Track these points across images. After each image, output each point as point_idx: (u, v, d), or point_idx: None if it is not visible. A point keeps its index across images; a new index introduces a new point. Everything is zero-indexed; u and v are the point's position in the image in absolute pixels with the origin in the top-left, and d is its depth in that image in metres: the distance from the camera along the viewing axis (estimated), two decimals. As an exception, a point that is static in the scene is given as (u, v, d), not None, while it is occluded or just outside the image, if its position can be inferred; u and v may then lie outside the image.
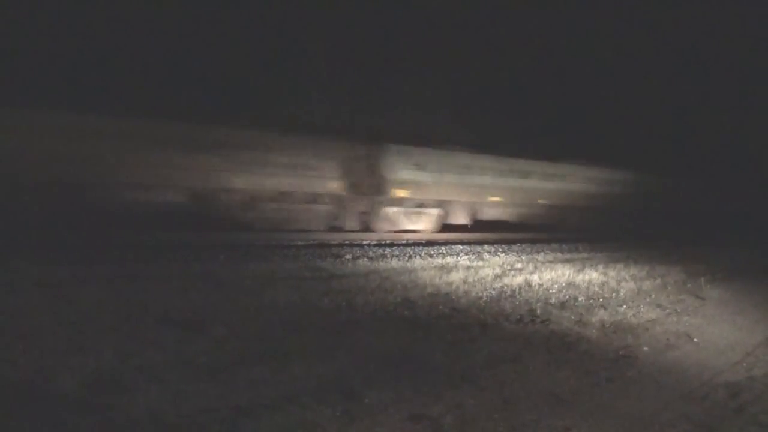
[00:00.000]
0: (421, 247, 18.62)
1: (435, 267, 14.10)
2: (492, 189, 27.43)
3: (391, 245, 18.92)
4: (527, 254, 18.40)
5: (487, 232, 27.21)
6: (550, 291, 11.94)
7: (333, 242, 18.61)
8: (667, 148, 39.60)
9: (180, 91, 23.13)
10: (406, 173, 25.00)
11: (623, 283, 13.48)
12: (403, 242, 20.34)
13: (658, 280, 14.40)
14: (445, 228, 26.25)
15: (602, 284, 13.16)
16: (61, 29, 22.92)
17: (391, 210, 24.54)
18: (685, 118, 42.09)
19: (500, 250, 19.21)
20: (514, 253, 18.39)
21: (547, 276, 13.62)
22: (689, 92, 42.94)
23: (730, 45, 44.25)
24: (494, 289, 11.78)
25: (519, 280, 12.88)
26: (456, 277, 12.73)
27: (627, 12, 42.19)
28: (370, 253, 16.07)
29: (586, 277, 13.81)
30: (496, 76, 34.87)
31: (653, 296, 12.47)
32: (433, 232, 25.95)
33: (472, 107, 32.06)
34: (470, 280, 12.51)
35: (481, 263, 15.31)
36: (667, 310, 11.33)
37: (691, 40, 43.00)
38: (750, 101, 44.41)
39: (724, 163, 41.35)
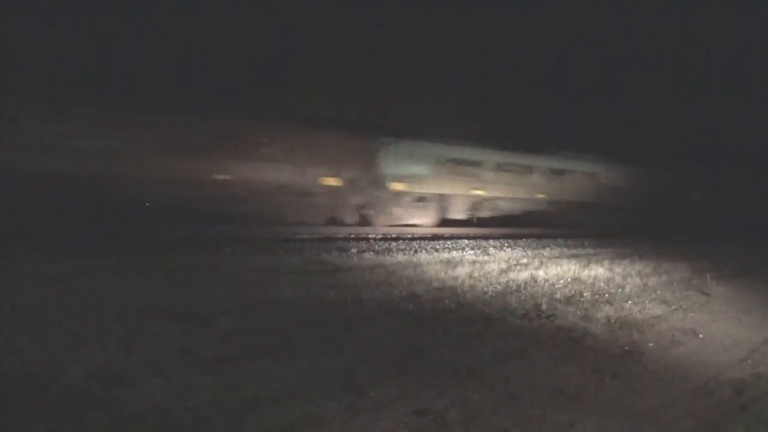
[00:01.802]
0: (426, 242, 18.60)
1: (440, 261, 14.08)
2: None
3: (396, 239, 18.89)
4: (533, 249, 18.38)
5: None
6: (556, 286, 11.93)
7: (338, 236, 18.58)
8: (674, 146, 39.51)
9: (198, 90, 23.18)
10: None
11: (629, 279, 13.46)
12: (409, 236, 20.31)
13: (664, 277, 14.39)
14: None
15: (608, 280, 13.15)
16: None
17: None
18: (691, 116, 41.99)
19: (506, 245, 19.19)
20: (520, 248, 18.37)
21: (553, 271, 13.60)
22: (695, 89, 42.87)
23: (734, 41, 44.21)
24: (500, 284, 11.77)
25: (525, 275, 12.87)
26: (462, 271, 12.71)
27: (629, 9, 42.21)
28: (376, 247, 16.06)
29: (592, 273, 13.79)
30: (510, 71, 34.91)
31: (659, 292, 12.45)
32: None
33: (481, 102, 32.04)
34: (476, 274, 12.50)
35: (486, 258, 15.30)
36: (673, 307, 11.33)
37: (697, 37, 42.95)
38: (756, 98, 44.31)
39: (730, 160, 41.22)
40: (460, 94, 31.32)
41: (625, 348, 8.38)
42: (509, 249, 18.02)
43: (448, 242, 18.80)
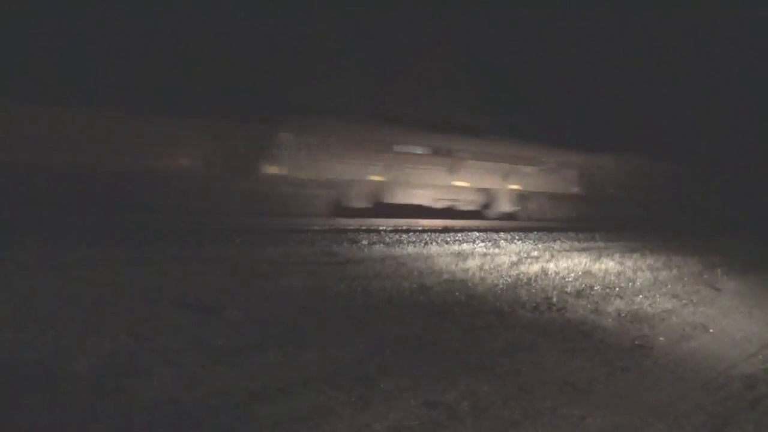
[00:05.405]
0: (437, 234, 18.57)
1: (451, 253, 14.06)
2: None
3: (407, 231, 18.86)
4: (544, 242, 18.34)
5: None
6: (567, 279, 11.91)
7: (349, 227, 18.56)
8: (685, 139, 39.36)
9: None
10: None
11: (639, 273, 13.44)
12: (420, 228, 20.28)
13: (675, 271, 14.36)
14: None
15: (618, 273, 13.12)
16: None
17: None
18: (700, 107, 41.83)
19: (517, 237, 19.14)
20: (531, 241, 18.33)
21: (564, 264, 13.58)
22: (704, 82, 42.73)
23: (741, 34, 44.06)
24: (510, 276, 11.76)
25: (535, 268, 12.85)
26: (472, 264, 12.70)
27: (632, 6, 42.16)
28: (386, 239, 16.03)
29: (603, 266, 13.76)
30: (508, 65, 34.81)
31: (669, 286, 12.44)
32: None
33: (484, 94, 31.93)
34: (486, 267, 12.48)
35: (497, 250, 15.26)
36: (684, 301, 11.31)
37: (703, 30, 42.82)
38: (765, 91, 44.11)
39: (741, 154, 41.04)
40: (469, 85, 31.23)
41: (636, 342, 8.38)
42: (520, 242, 17.99)
43: (459, 235, 18.77)
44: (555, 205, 29.40)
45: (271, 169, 20.33)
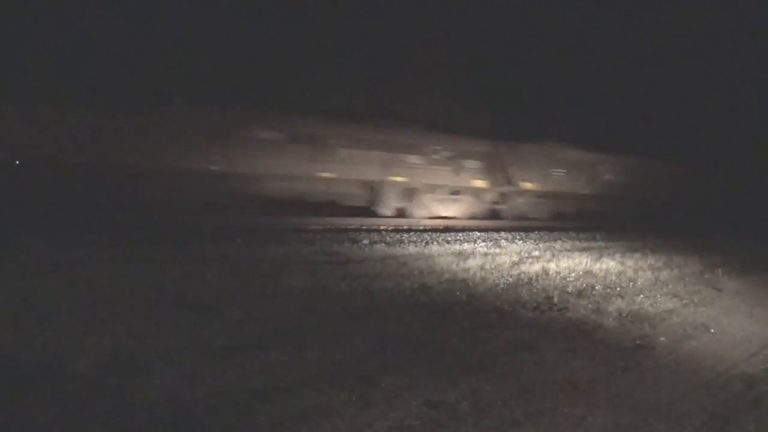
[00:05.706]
0: (438, 233, 18.56)
1: (452, 253, 14.04)
2: None
3: (408, 231, 18.84)
4: (544, 242, 18.31)
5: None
6: (568, 279, 11.90)
7: (350, 227, 18.53)
8: (686, 138, 39.36)
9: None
10: None
11: (640, 273, 13.42)
12: (420, 228, 20.25)
13: (676, 271, 14.34)
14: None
15: (619, 273, 13.11)
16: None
17: None
18: (702, 106, 41.84)
19: (517, 237, 19.11)
20: (532, 241, 18.30)
21: (565, 264, 13.56)
22: (707, 80, 42.75)
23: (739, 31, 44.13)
24: (511, 276, 11.74)
25: (536, 267, 12.83)
26: (473, 263, 12.68)
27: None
28: (387, 239, 16.00)
29: (604, 266, 13.74)
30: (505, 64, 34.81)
31: (670, 286, 12.42)
32: None
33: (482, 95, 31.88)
34: (487, 266, 12.47)
35: (498, 250, 15.23)
36: (684, 301, 11.29)
37: (702, 28, 42.87)
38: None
39: (742, 153, 41.02)
40: (464, 86, 31.22)
41: (637, 341, 8.37)
42: (521, 241, 17.96)
43: (460, 234, 18.75)
44: (445, 201, 27.39)
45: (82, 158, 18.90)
